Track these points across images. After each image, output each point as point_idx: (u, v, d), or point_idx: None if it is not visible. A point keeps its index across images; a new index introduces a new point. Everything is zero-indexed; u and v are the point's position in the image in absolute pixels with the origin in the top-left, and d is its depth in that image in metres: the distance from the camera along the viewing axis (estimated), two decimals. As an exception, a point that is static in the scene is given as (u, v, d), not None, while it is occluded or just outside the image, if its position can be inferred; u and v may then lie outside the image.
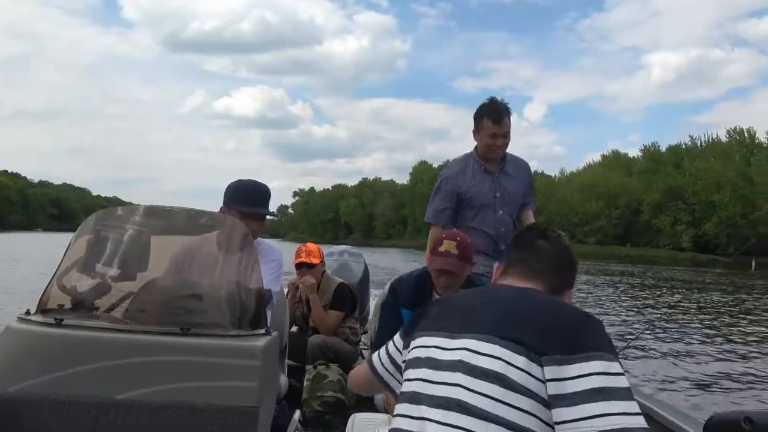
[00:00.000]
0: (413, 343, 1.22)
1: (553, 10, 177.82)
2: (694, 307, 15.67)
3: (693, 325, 12.18)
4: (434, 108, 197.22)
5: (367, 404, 2.83)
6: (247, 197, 2.35)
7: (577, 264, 1.36)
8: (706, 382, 6.97)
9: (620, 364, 1.03)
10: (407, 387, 1.16)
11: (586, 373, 0.99)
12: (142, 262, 1.91)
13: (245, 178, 2.47)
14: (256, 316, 1.76)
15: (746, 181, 53.20)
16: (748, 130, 59.52)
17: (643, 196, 59.36)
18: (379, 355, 1.42)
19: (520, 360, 1.02)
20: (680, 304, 16.42)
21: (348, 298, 3.71)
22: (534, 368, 1.01)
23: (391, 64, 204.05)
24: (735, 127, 60.46)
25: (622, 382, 1.00)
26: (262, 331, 1.69)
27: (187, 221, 2.11)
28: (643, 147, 69.25)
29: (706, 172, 55.47)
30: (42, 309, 1.67)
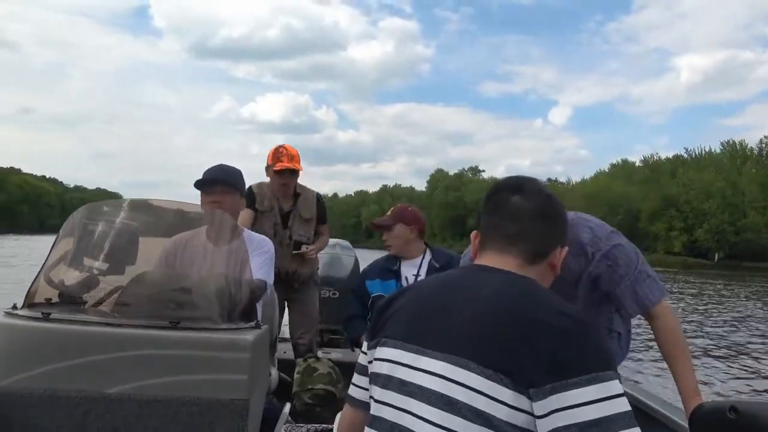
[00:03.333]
0: (379, 351, 1.08)
1: (577, 13, 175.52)
2: (681, 303, 15.97)
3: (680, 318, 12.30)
4: (457, 112, 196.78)
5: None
6: (205, 174, 2.39)
7: (564, 217, 1.15)
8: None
9: (619, 378, 0.90)
10: (378, 411, 1.03)
11: (579, 402, 0.86)
12: (131, 256, 1.90)
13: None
14: (246, 309, 1.75)
15: (736, 190, 57.57)
16: (741, 143, 64.84)
17: (642, 204, 63.48)
18: (354, 384, 1.20)
19: (507, 394, 0.89)
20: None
21: (325, 209, 3.61)
22: (523, 401, 0.89)
23: (414, 69, 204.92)
24: (729, 140, 66.05)
25: (620, 405, 0.88)
26: (253, 324, 1.69)
27: (176, 215, 2.10)
28: (643, 157, 75.29)
29: (697, 181, 59.61)
30: (29, 303, 1.66)
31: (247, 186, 3.06)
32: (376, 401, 1.05)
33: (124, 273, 1.85)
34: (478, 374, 0.91)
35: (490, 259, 1.10)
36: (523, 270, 1.07)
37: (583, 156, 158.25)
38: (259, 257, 2.29)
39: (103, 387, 1.46)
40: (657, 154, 76.39)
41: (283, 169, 3.24)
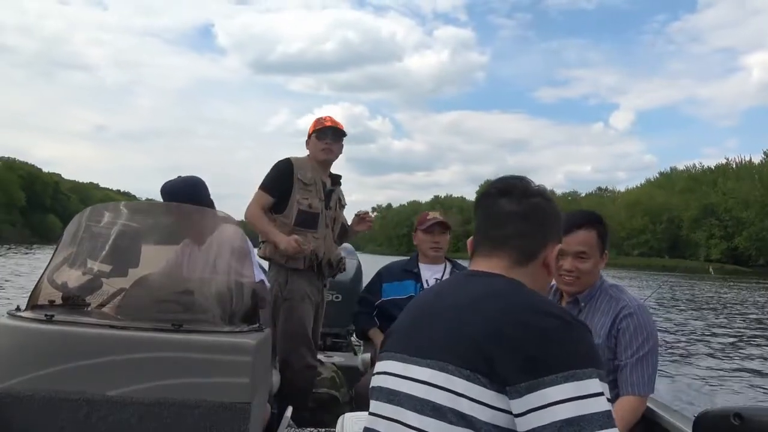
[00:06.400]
0: (377, 366, 1.10)
1: (638, 14, 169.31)
2: (693, 307, 15.95)
3: (686, 323, 12.28)
4: (513, 119, 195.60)
5: (360, 401, 2.83)
6: (168, 196, 2.30)
7: (553, 215, 1.11)
8: (696, 379, 7.03)
9: (599, 377, 0.88)
10: (373, 424, 1.05)
11: (554, 401, 0.85)
12: (134, 258, 1.90)
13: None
14: (248, 312, 1.76)
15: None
16: (781, 151, 65.48)
17: (683, 213, 64.81)
18: None
19: (487, 395, 0.89)
20: (676, 302, 16.73)
21: None
22: (503, 401, 0.89)
23: (469, 77, 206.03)
24: (769, 150, 67.09)
25: (598, 405, 0.86)
26: (255, 327, 1.69)
27: (179, 217, 2.11)
28: (685, 167, 76.66)
29: (735, 191, 60.65)
30: (32, 305, 1.66)
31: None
32: (371, 414, 1.06)
33: (127, 275, 1.85)
34: (457, 376, 0.91)
35: (480, 264, 1.10)
36: (512, 272, 1.06)
37: (647, 161, 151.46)
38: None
39: (105, 389, 1.46)
40: (700, 162, 77.73)
41: (325, 127, 2.97)
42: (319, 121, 3.06)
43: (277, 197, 2.91)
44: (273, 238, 2.86)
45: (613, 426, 0.86)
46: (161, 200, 2.33)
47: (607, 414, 0.86)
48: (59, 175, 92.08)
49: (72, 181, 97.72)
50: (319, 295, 3.06)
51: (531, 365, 0.88)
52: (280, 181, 2.90)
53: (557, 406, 0.85)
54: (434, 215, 3.05)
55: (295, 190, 2.91)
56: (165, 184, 2.33)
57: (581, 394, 0.86)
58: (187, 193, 2.22)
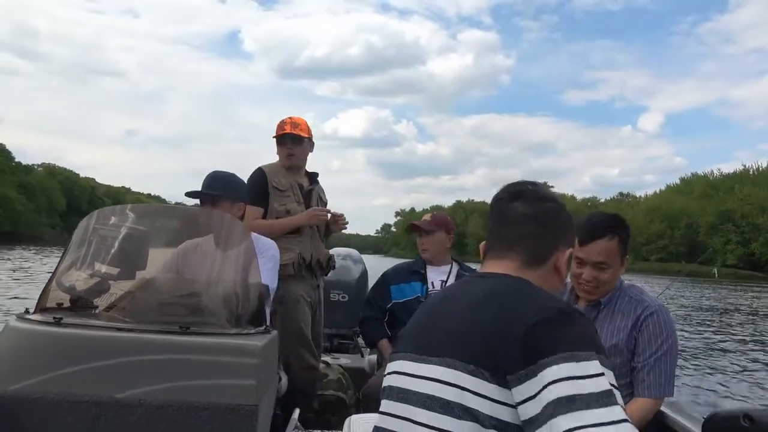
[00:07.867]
0: (388, 367, 1.12)
1: (666, 15, 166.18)
2: (705, 306, 15.86)
3: (695, 324, 12.20)
4: (539, 122, 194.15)
5: (367, 403, 2.83)
6: (203, 185, 2.35)
7: (565, 219, 1.14)
8: (706, 380, 6.98)
9: (600, 360, 0.87)
10: (383, 422, 1.06)
11: (551, 380, 0.84)
12: (141, 261, 1.91)
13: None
14: (255, 314, 1.76)
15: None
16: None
17: (700, 219, 65.76)
18: None
19: (489, 388, 0.90)
20: (686, 301, 16.63)
21: None
22: (506, 394, 0.89)
23: (494, 80, 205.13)
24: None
25: (597, 384, 0.84)
26: (262, 329, 1.69)
27: (185, 219, 2.11)
28: (702, 173, 78.32)
29: (752, 197, 61.78)
30: (41, 308, 1.67)
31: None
32: (381, 413, 1.07)
33: (135, 278, 1.86)
34: (463, 371, 0.93)
35: (491, 266, 1.12)
36: (522, 274, 1.07)
37: (677, 164, 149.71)
38: (262, 259, 2.24)
39: (113, 392, 1.46)
40: (719, 168, 79.23)
41: (284, 134, 2.96)
42: (280, 125, 3.05)
43: (263, 207, 2.92)
44: (292, 223, 2.92)
45: (614, 404, 0.84)
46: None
47: (606, 393, 0.84)
48: (94, 180, 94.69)
49: (106, 186, 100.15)
50: (314, 293, 3.05)
51: (531, 352, 0.88)
52: (256, 190, 2.90)
53: (553, 385, 0.84)
54: (426, 218, 3.07)
55: (272, 198, 2.94)
56: (213, 172, 2.42)
57: (578, 374, 0.85)
58: (226, 181, 2.37)
